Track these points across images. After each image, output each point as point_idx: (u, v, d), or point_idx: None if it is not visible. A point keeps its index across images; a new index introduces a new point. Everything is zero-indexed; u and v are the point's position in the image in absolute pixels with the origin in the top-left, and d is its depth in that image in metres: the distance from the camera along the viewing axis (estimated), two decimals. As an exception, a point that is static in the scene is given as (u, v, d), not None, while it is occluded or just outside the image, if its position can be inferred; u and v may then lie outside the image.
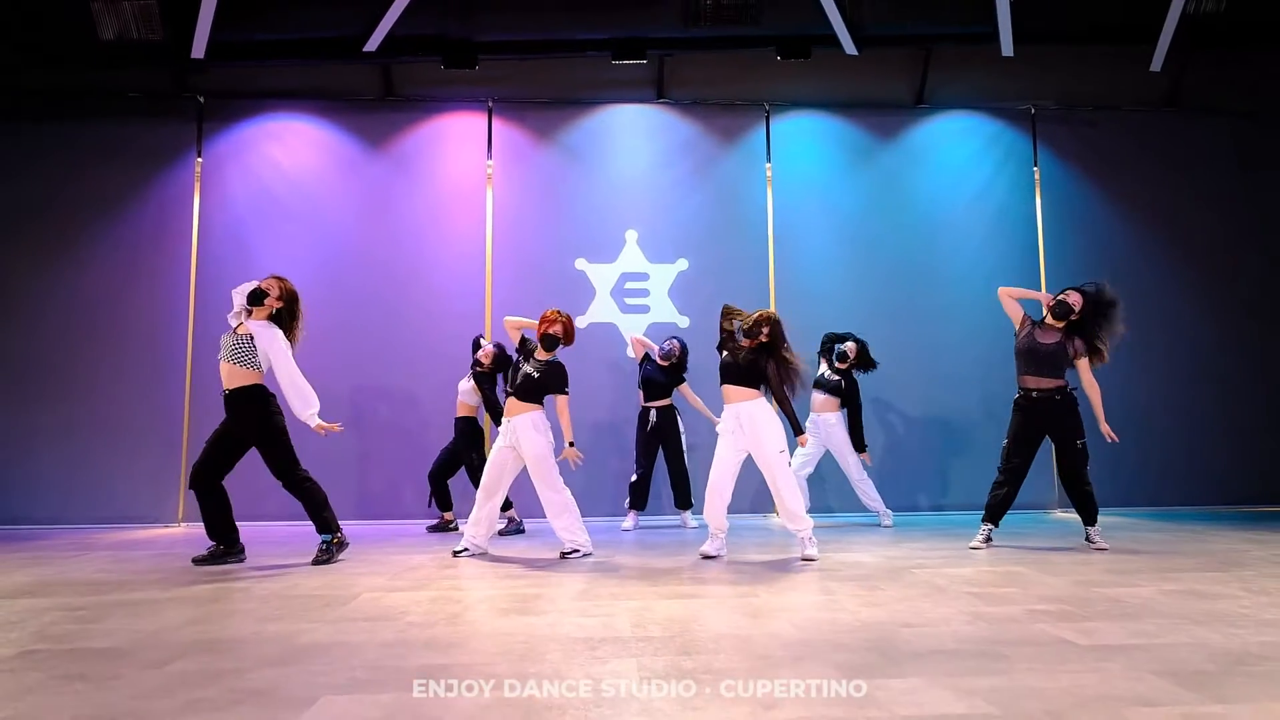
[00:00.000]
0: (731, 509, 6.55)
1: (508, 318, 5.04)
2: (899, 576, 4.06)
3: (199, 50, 5.92)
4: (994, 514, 5.01)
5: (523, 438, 4.71)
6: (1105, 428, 4.96)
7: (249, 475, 4.79)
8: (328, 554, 4.59)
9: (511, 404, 4.81)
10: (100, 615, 3.31)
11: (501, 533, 5.77)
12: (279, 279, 4.69)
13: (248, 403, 4.49)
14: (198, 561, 4.53)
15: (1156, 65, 6.43)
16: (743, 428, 4.57)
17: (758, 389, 4.62)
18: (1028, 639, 2.81)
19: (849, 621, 3.09)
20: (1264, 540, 5.24)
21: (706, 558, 4.66)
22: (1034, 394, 4.98)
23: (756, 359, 4.58)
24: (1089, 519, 5.00)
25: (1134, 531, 5.76)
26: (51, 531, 6.25)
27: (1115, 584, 3.79)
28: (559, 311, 4.92)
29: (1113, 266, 7.34)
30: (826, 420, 6.22)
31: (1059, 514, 7.03)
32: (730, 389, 4.64)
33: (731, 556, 4.77)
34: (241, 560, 4.63)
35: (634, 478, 6.25)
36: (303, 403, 4.53)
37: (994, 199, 7.45)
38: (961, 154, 7.50)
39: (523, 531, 5.97)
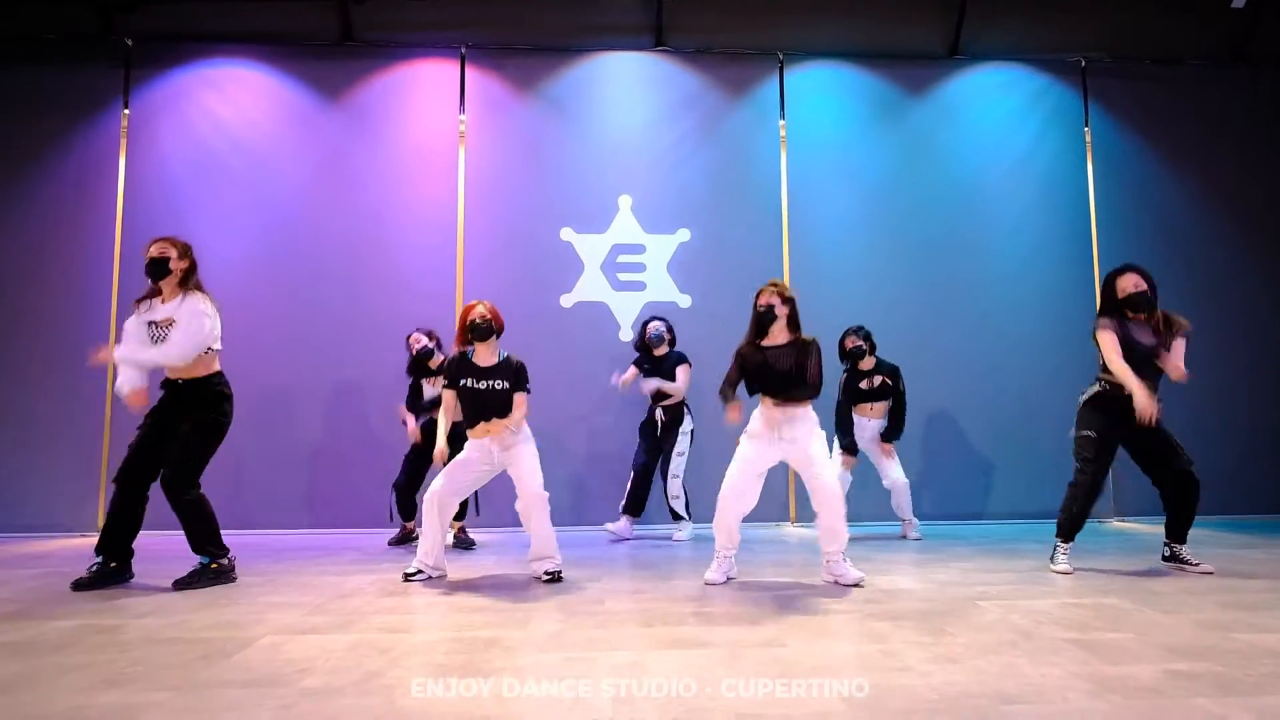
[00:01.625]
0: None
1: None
2: (964, 613, 3.14)
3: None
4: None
5: (514, 455, 3.93)
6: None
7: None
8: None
9: (490, 424, 3.90)
10: (-119, 674, 2.39)
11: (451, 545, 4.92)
12: (166, 239, 3.88)
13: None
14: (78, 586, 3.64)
15: (1239, 1, 5.50)
16: (782, 431, 3.74)
17: None
18: (1199, 730, 1.90)
19: (922, 691, 2.18)
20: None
21: (712, 585, 3.74)
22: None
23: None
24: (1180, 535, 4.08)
25: (1216, 547, 4.84)
26: (-57, 541, 5.32)
27: (1253, 626, 2.88)
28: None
29: (1172, 242, 6.47)
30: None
31: (1116, 523, 6.13)
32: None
33: (743, 578, 3.85)
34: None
35: (633, 476, 5.34)
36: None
37: (1039, 163, 6.52)
38: (1002, 111, 6.57)
39: (472, 547, 5.05)
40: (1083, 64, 6.62)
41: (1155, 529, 5.51)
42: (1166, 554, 4.12)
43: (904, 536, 5.31)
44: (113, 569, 3.79)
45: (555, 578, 3.82)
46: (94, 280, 5.94)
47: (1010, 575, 3.96)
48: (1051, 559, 4.08)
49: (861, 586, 3.64)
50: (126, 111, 6.08)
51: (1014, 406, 6.28)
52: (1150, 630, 2.84)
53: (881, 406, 5.32)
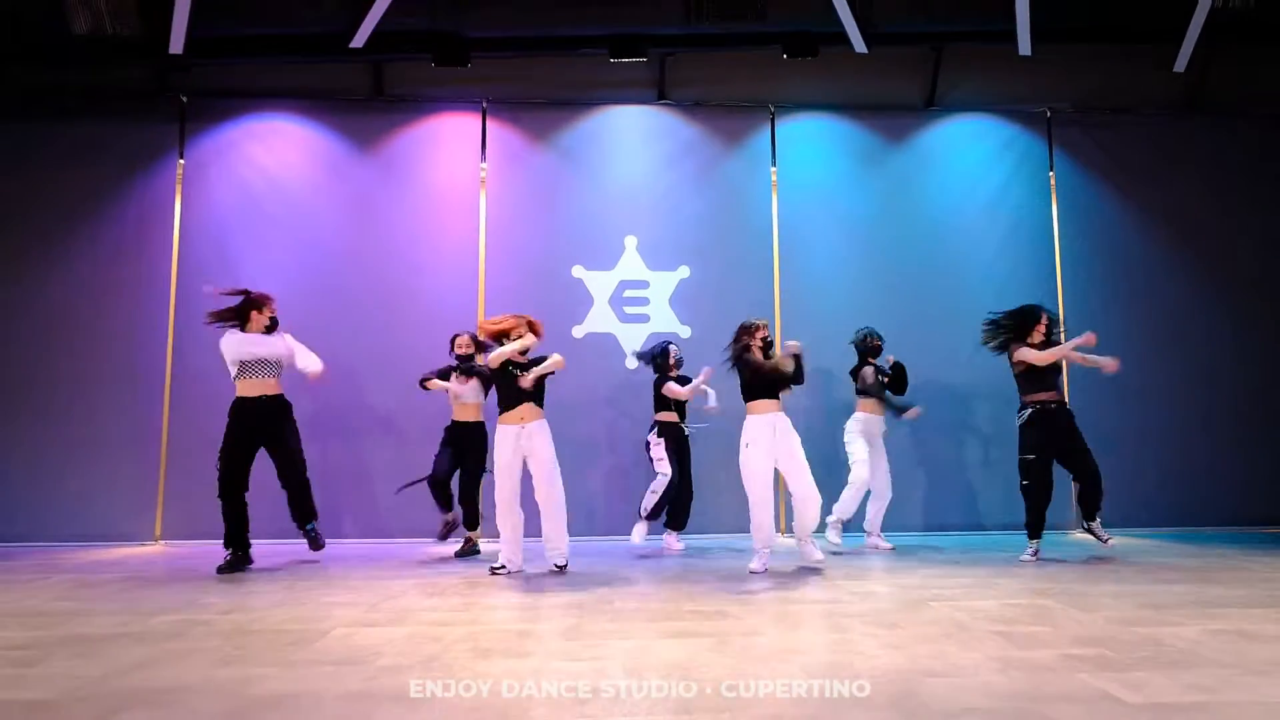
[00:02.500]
0: (727, 528, 6.35)
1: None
2: (917, 610, 3.75)
3: (177, 45, 5.64)
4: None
5: (538, 442, 4.82)
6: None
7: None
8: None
9: (525, 409, 4.84)
10: (43, 656, 3.00)
11: (459, 554, 5.63)
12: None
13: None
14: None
15: (1180, 66, 6.13)
16: (776, 436, 4.91)
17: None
18: (1068, 694, 2.50)
19: (867, 669, 2.78)
20: (1301, 567, 4.93)
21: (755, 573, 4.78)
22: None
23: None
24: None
25: (1163, 557, 5.43)
26: (20, 550, 5.94)
27: (1154, 622, 3.48)
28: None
29: (1132, 277, 7.09)
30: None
31: (1078, 535, 6.70)
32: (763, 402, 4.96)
33: (736, 583, 4.46)
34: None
35: (665, 492, 5.81)
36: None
37: (1008, 205, 7.15)
38: (974, 158, 7.20)
39: (478, 552, 5.69)
40: (1048, 114, 7.25)
41: (1123, 540, 6.11)
42: (1084, 528, 5.55)
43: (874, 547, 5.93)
44: (239, 557, 5.05)
45: (562, 570, 4.81)
46: (152, 314, 6.57)
47: (967, 580, 4.55)
48: (1021, 555, 5.28)
49: (822, 567, 4.85)
50: (181, 161, 6.74)
51: (986, 428, 6.89)
52: (1066, 624, 3.44)
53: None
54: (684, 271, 6.89)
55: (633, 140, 7.07)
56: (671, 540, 5.87)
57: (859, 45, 6.04)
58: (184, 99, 6.78)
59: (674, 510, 5.87)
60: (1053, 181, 7.20)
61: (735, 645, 3.12)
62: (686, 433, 5.94)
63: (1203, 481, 6.91)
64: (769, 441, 4.87)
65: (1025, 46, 5.94)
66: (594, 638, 3.26)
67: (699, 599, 4.05)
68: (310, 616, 3.69)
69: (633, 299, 6.85)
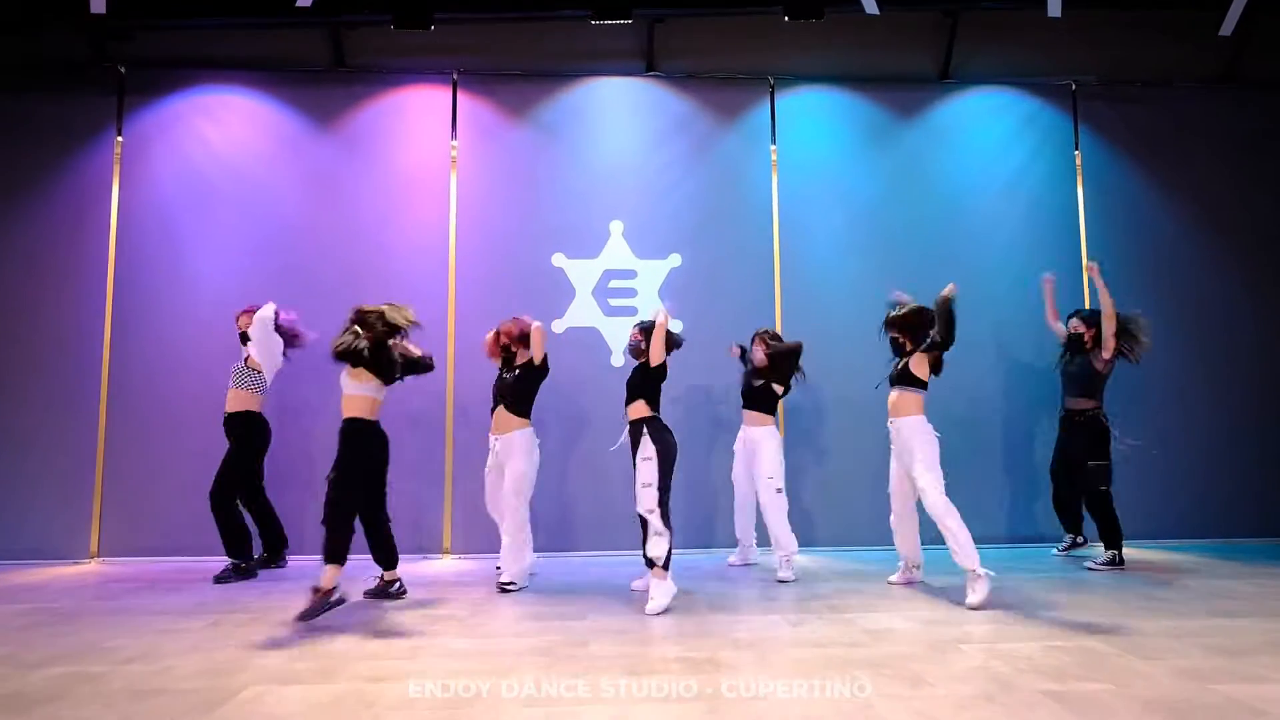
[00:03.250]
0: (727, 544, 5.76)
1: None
2: (943, 657, 3.16)
3: (98, 5, 4.99)
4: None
5: (515, 451, 4.61)
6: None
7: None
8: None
9: (502, 417, 4.70)
10: None
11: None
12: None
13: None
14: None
15: (1227, 29, 5.52)
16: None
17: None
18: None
19: (898, 758, 2.19)
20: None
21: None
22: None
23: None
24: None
25: (1210, 578, 4.84)
26: (-66, 570, 5.33)
27: (1233, 676, 2.90)
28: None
29: (1164, 264, 6.51)
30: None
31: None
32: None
33: (729, 615, 3.87)
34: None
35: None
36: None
37: (1029, 186, 6.53)
38: (992, 135, 6.58)
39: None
40: (1073, 87, 6.63)
41: (1153, 554, 5.54)
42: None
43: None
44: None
45: (504, 589, 4.49)
46: (88, 304, 5.94)
47: (998, 614, 3.96)
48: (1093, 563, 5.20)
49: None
50: (120, 138, 6.09)
51: (1002, 428, 6.31)
52: (1129, 681, 2.85)
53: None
54: (675, 260, 6.27)
55: (619, 115, 6.42)
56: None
57: (870, 6, 5.42)
58: (122, 69, 6.13)
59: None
60: (1078, 160, 6.58)
61: (732, 713, 2.53)
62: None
63: (1235, 488, 6.33)
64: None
65: (1055, 7, 5.31)
66: (561, 705, 2.67)
67: (687, 640, 3.46)
68: (222, 668, 3.09)
69: (619, 290, 6.23)
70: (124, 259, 6.00)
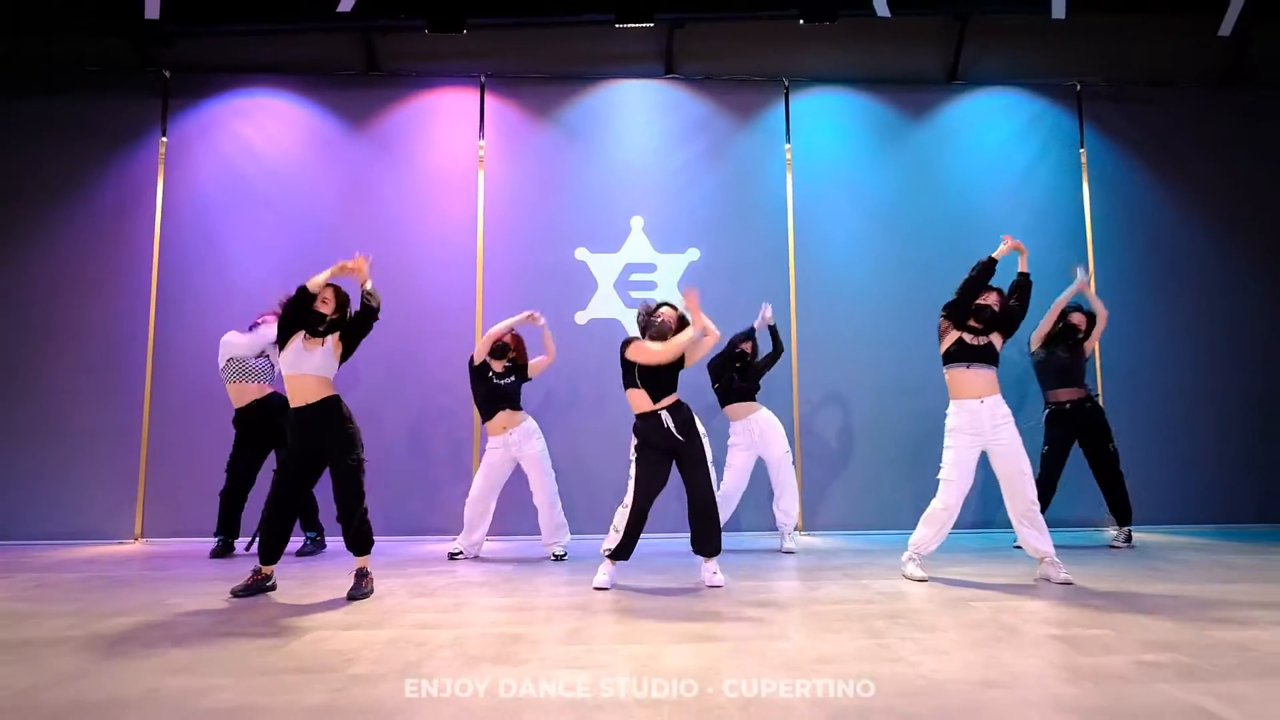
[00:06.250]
0: (744, 526, 5.97)
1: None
2: (956, 611, 3.36)
3: (153, 10, 5.29)
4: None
5: (534, 437, 5.10)
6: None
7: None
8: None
9: (506, 416, 5.07)
10: (-31, 663, 2.65)
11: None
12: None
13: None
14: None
15: (1226, 29, 5.73)
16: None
17: None
18: (1155, 709, 2.12)
19: (913, 679, 2.39)
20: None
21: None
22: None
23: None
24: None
25: (1213, 554, 5.02)
26: (-10, 548, 5.60)
27: (1231, 623, 3.09)
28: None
29: (1169, 262, 6.70)
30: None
31: (1114, 532, 6.30)
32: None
33: (755, 585, 4.07)
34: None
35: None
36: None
37: (1036, 185, 6.75)
38: (1000, 135, 6.81)
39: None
40: (1078, 88, 6.85)
41: (1159, 537, 5.72)
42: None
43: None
44: (316, 540, 5.41)
45: (560, 558, 4.99)
46: (132, 299, 6.22)
47: (1006, 579, 4.16)
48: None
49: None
50: (164, 139, 6.40)
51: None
52: (1131, 629, 3.05)
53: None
54: (693, 254, 6.51)
55: (639, 116, 6.69)
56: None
57: (881, 9, 5.66)
58: (167, 74, 6.43)
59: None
60: (1084, 159, 6.80)
61: (756, 650, 2.74)
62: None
63: (1238, 474, 6.50)
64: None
65: (1059, 8, 5.54)
66: (599, 642, 2.88)
67: (709, 599, 3.67)
68: (285, 617, 3.33)
69: (639, 283, 6.47)
70: (167, 254, 6.29)
